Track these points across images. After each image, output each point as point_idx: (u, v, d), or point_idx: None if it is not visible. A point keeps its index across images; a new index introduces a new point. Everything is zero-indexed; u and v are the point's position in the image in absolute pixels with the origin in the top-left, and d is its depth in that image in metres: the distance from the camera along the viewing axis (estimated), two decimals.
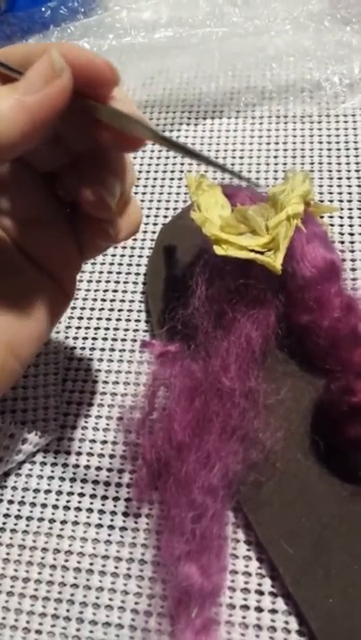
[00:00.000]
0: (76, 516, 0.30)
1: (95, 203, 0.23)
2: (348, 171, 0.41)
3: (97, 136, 0.22)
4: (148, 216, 0.41)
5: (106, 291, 0.38)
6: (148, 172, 0.43)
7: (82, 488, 0.31)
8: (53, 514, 0.30)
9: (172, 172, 0.43)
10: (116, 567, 0.29)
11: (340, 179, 0.40)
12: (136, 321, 0.36)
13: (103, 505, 0.30)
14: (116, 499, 0.30)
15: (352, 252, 0.37)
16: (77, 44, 0.46)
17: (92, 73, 0.21)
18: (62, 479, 0.31)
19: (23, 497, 0.31)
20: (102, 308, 0.37)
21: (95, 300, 0.38)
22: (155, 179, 0.43)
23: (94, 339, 0.36)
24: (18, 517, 0.31)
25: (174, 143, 0.21)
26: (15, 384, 0.32)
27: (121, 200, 0.24)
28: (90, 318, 0.37)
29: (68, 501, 0.31)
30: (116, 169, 0.24)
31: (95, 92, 0.21)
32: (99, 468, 0.31)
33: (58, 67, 0.20)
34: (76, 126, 0.22)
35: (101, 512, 0.30)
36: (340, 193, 0.40)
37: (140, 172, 0.43)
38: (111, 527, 0.30)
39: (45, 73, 0.20)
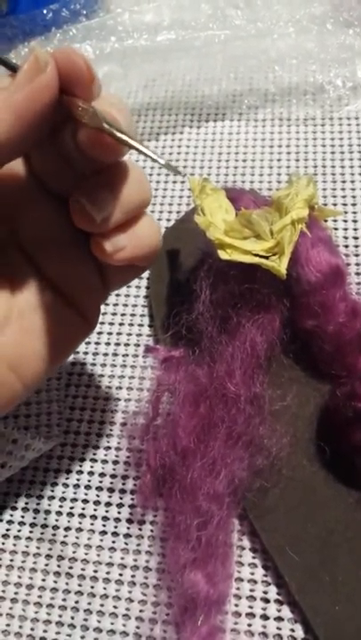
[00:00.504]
0: (80, 523, 0.30)
1: (76, 212, 0.23)
2: (353, 174, 0.41)
3: (76, 140, 0.22)
4: None
5: (109, 295, 0.38)
6: (150, 174, 0.43)
7: (85, 495, 0.31)
8: (57, 520, 0.30)
9: (175, 175, 0.43)
10: (121, 574, 0.28)
11: (343, 182, 0.40)
12: (139, 325, 0.36)
13: (107, 511, 0.30)
14: (120, 505, 0.30)
15: (357, 255, 0.37)
16: (79, 47, 0.46)
17: (71, 70, 0.21)
18: (66, 485, 0.31)
19: (27, 503, 0.31)
20: (105, 313, 0.37)
21: None
22: (157, 182, 0.43)
23: (97, 343, 0.36)
24: (21, 524, 0.30)
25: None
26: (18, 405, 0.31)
27: (117, 217, 0.23)
28: None
29: (71, 508, 0.30)
30: (109, 181, 0.23)
31: (75, 89, 0.21)
32: (102, 475, 0.31)
33: (42, 61, 0.20)
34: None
35: (105, 519, 0.30)
36: (344, 196, 0.39)
37: None
38: (115, 534, 0.29)
39: (30, 68, 0.20)
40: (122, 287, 0.28)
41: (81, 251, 0.25)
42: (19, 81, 0.20)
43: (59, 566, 0.29)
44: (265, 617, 0.27)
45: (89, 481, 0.31)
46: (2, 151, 0.20)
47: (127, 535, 0.29)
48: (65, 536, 0.30)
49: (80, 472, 0.31)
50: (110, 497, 0.30)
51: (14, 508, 0.31)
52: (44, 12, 0.49)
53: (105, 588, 0.28)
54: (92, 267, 0.25)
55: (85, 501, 0.31)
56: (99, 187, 0.23)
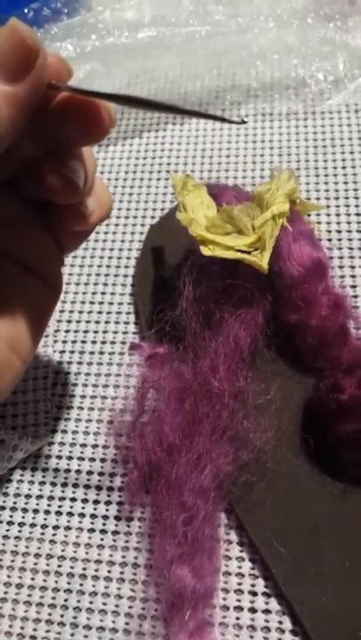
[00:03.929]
0: (69, 521, 0.30)
1: (62, 185, 0.23)
2: (335, 168, 0.41)
3: (59, 130, 0.22)
4: (135, 217, 0.41)
5: (94, 293, 0.38)
6: (134, 172, 0.43)
7: (73, 493, 0.31)
8: (45, 519, 0.30)
9: (159, 172, 0.43)
10: (109, 571, 0.29)
11: (326, 176, 0.40)
12: (125, 323, 0.36)
13: (95, 509, 0.30)
14: (108, 503, 0.30)
15: (339, 249, 0.37)
16: (60, 46, 0.46)
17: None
18: (54, 484, 0.31)
19: (15, 503, 0.31)
20: (91, 311, 0.37)
21: (84, 302, 0.37)
22: (141, 179, 0.43)
23: (83, 342, 0.36)
24: (10, 523, 0.30)
25: (141, 100, 0.21)
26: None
27: (86, 182, 0.24)
28: (78, 321, 0.37)
29: (60, 506, 0.31)
30: (75, 153, 0.24)
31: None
32: (90, 472, 0.31)
33: (31, 42, 0.19)
34: (30, 134, 0.22)
35: (93, 516, 0.30)
36: (327, 190, 0.40)
37: (126, 172, 0.43)
38: (103, 531, 0.30)
39: (23, 53, 0.19)
40: (75, 249, 0.30)
41: (35, 225, 0.26)
42: (12, 67, 0.19)
43: (48, 565, 0.29)
44: (253, 610, 0.27)
45: (77, 479, 0.31)
46: (6, 139, 0.20)
47: (115, 532, 0.29)
48: (54, 534, 0.30)
49: (68, 471, 0.31)
50: (98, 495, 0.31)
51: (2, 508, 0.31)
52: (25, 11, 0.49)
53: (94, 586, 0.28)
54: (49, 238, 0.26)
55: (73, 500, 0.31)
56: (69, 157, 0.23)
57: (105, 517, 0.30)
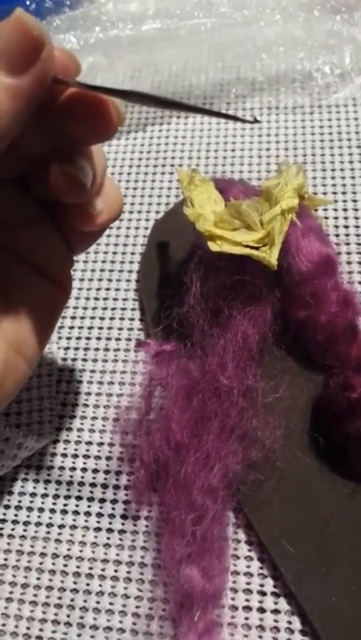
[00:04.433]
0: (74, 520, 0.30)
1: (67, 184, 0.23)
2: (342, 162, 0.40)
3: (66, 128, 0.22)
4: (139, 212, 0.40)
5: (99, 289, 0.37)
6: (138, 166, 0.43)
7: (79, 491, 0.30)
8: (51, 518, 0.30)
9: (163, 166, 0.42)
10: (116, 570, 0.28)
11: (333, 170, 0.40)
12: (130, 320, 0.36)
13: (101, 508, 0.30)
14: (114, 501, 0.30)
15: (347, 244, 0.36)
16: (63, 38, 0.45)
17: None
18: (59, 482, 0.31)
19: (20, 501, 0.31)
20: (96, 308, 0.37)
21: (88, 299, 0.37)
22: (145, 173, 0.42)
23: (88, 338, 0.35)
24: (15, 522, 0.30)
25: (157, 98, 0.20)
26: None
27: (95, 182, 0.24)
28: (83, 318, 0.36)
29: (65, 505, 0.30)
30: (83, 151, 0.23)
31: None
32: (96, 471, 0.31)
33: (38, 33, 0.19)
34: (36, 131, 0.22)
35: (99, 515, 0.30)
36: (334, 185, 0.39)
37: (130, 166, 0.43)
38: (110, 530, 0.29)
39: (29, 45, 0.19)
40: (85, 250, 0.29)
41: (45, 225, 0.25)
42: (16, 59, 0.19)
43: (53, 564, 0.29)
44: (262, 610, 0.26)
45: (82, 477, 0.31)
46: (3, 141, 0.19)
47: (122, 531, 0.29)
48: (59, 533, 0.30)
49: (73, 469, 0.31)
50: (104, 493, 0.30)
51: (7, 507, 0.31)
52: (27, 2, 0.48)
53: (101, 585, 0.28)
54: (58, 238, 0.26)
55: (79, 498, 0.30)
56: (77, 156, 0.23)
57: (111, 516, 0.30)
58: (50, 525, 0.30)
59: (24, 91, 0.19)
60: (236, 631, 0.26)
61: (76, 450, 0.32)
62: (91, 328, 0.36)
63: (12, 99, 0.19)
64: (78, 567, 0.29)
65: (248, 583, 0.27)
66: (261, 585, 0.27)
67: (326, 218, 0.38)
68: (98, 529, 0.29)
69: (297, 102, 0.44)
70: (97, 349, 0.35)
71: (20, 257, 0.25)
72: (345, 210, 0.38)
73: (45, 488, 0.31)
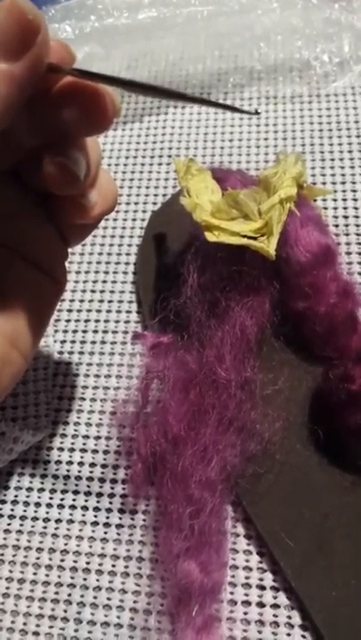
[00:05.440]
0: (71, 514, 0.29)
1: (60, 175, 0.22)
2: (341, 152, 0.40)
3: (60, 118, 0.21)
4: (136, 203, 0.40)
5: (95, 282, 0.37)
6: (134, 157, 0.42)
7: (76, 485, 0.30)
8: (47, 512, 0.30)
9: (160, 156, 0.42)
10: (114, 565, 0.28)
11: (332, 160, 0.39)
12: (127, 312, 0.35)
13: (98, 502, 0.30)
14: (111, 495, 0.30)
15: (347, 235, 0.36)
16: (58, 27, 0.44)
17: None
18: (56, 476, 0.31)
19: (16, 496, 0.30)
20: (92, 300, 0.36)
21: (84, 291, 0.37)
22: (142, 164, 0.42)
23: (84, 331, 0.35)
24: (11, 517, 0.30)
25: (150, 86, 0.20)
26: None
27: (88, 173, 0.23)
28: (79, 310, 0.36)
29: (62, 499, 0.30)
30: (77, 142, 0.23)
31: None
32: (93, 465, 0.31)
33: (33, 17, 0.18)
34: (29, 122, 0.21)
35: (97, 509, 0.29)
36: (334, 175, 0.39)
37: (126, 157, 0.42)
38: (107, 524, 0.29)
39: (23, 29, 0.18)
40: (80, 243, 0.28)
41: (40, 218, 0.25)
42: (10, 43, 0.18)
43: (50, 559, 0.28)
44: (261, 604, 0.26)
45: (79, 471, 0.30)
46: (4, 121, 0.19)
47: (119, 525, 0.29)
48: (56, 528, 0.29)
49: (70, 463, 0.31)
50: (101, 487, 0.30)
51: (3, 502, 0.30)
52: None
53: (98, 580, 0.28)
54: (53, 230, 0.25)
55: (76, 492, 0.30)
56: (71, 147, 0.22)
57: (108, 510, 0.29)
58: (47, 520, 0.29)
59: (18, 76, 0.19)
60: (234, 626, 0.26)
61: (72, 444, 0.31)
62: (87, 321, 0.35)
63: (5, 85, 0.18)
64: (75, 562, 0.28)
65: (247, 577, 0.27)
66: (260, 579, 0.27)
67: (326, 208, 0.37)
68: (95, 523, 0.29)
69: (295, 91, 0.43)
70: (93, 342, 0.34)
71: (13, 250, 0.24)
72: (344, 200, 0.37)
73: (42, 482, 0.30)
